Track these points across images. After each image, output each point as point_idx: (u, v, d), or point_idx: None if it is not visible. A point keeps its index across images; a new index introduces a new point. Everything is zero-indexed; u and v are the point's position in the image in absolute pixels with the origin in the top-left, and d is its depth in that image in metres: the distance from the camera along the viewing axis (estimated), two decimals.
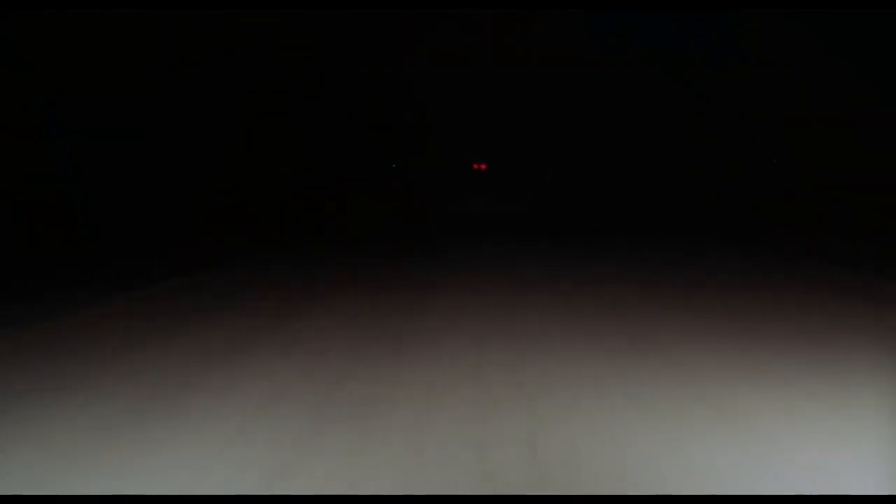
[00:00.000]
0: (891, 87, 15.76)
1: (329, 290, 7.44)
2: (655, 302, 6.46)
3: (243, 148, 20.19)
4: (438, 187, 39.69)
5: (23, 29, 12.35)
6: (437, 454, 3.13)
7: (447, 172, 42.69)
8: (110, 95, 14.69)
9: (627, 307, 6.30)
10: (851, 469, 2.93)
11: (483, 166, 44.21)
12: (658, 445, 3.17)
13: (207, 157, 18.51)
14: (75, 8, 12.85)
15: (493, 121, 39.18)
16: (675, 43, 22.52)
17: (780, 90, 19.06)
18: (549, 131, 33.99)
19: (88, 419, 3.58)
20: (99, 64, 14.10)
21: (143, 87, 15.60)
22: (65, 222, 12.52)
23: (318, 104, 23.25)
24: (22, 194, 12.24)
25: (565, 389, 4.00)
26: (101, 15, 13.64)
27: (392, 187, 32.92)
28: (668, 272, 8.57)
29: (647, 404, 3.72)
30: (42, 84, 12.92)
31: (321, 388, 4.05)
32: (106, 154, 15.08)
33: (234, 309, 6.50)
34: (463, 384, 4.14)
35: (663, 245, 11.42)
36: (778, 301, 6.60)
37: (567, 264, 9.36)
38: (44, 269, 8.57)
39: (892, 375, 4.20)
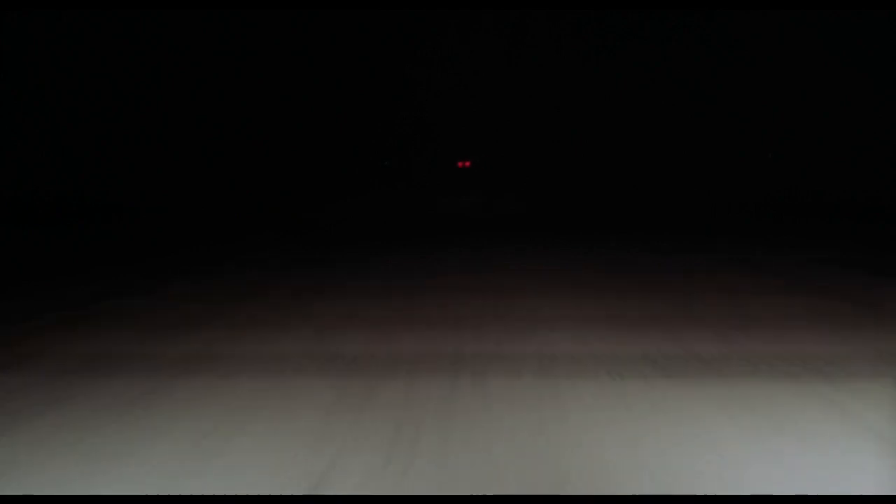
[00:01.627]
0: (891, 86, 16.03)
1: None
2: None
3: (239, 148, 19.86)
4: (427, 185, 39.46)
5: (23, 29, 11.95)
6: None
7: (433, 170, 42.46)
8: (109, 96, 14.30)
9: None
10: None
11: (468, 164, 44.00)
12: None
13: (204, 158, 18.17)
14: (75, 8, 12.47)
15: (481, 119, 39.00)
16: (672, 42, 22.68)
17: (777, 88, 19.27)
18: (537, 130, 34.04)
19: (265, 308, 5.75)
20: (99, 65, 13.72)
21: (142, 87, 15.23)
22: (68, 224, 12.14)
23: (313, 103, 22.99)
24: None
25: None
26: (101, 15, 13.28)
27: (383, 186, 32.59)
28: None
29: None
30: (43, 85, 12.52)
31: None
32: (104, 155, 14.67)
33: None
34: None
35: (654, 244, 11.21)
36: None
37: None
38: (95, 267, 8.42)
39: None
